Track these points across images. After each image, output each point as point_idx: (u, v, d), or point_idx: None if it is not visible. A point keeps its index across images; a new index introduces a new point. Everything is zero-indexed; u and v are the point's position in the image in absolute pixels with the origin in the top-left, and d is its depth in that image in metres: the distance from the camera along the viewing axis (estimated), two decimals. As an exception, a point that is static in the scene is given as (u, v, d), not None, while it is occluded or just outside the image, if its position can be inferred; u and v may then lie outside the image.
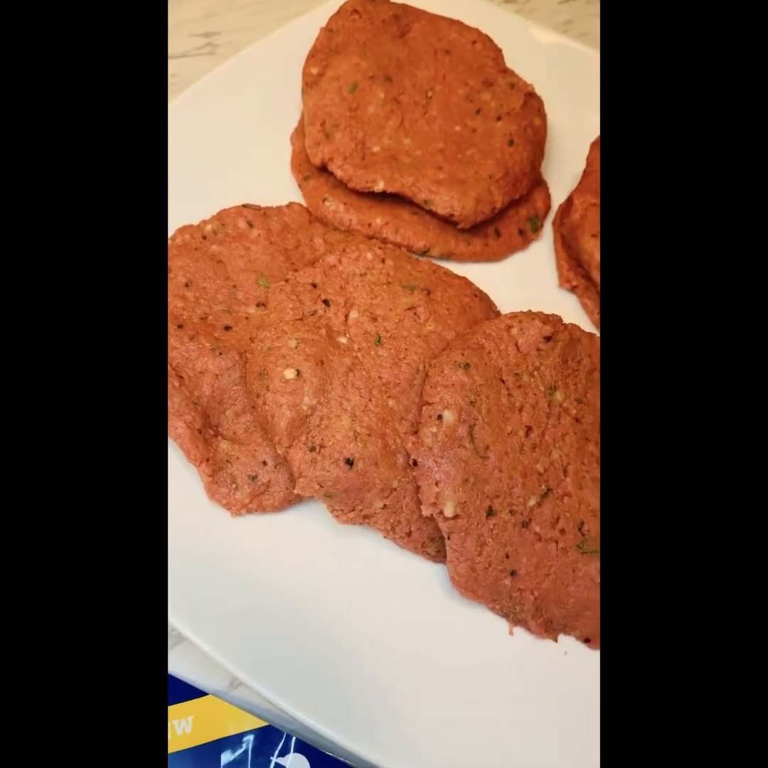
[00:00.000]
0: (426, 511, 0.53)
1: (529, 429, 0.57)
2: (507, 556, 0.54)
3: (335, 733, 0.50)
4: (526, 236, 0.75)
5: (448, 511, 0.53)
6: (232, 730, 0.53)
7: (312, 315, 0.59)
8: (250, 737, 0.53)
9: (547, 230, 0.77)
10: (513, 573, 0.55)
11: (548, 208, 0.78)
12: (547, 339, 0.59)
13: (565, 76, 0.85)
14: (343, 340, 0.59)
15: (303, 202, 0.73)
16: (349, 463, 0.54)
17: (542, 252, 0.75)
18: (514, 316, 0.60)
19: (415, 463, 0.54)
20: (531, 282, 0.73)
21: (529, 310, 0.60)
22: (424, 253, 0.71)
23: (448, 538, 0.54)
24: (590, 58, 0.86)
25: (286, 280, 0.60)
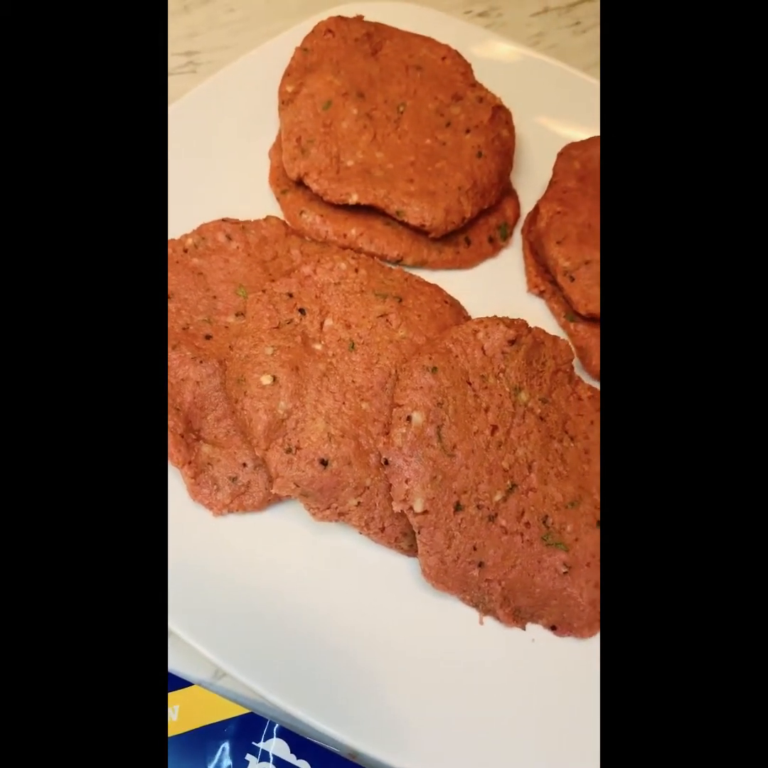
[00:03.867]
0: (397, 508, 0.56)
1: (494, 428, 0.60)
2: (474, 549, 0.57)
3: (313, 718, 0.53)
4: (495, 244, 0.78)
5: (418, 507, 0.56)
6: (216, 718, 0.56)
7: (288, 323, 0.62)
8: (234, 724, 0.56)
9: (517, 238, 0.80)
10: (481, 564, 0.58)
11: (518, 216, 0.81)
12: (512, 342, 0.62)
13: (533, 89, 0.88)
14: (318, 346, 0.62)
15: (281, 215, 0.76)
16: (324, 463, 0.57)
17: (512, 259, 0.79)
18: (480, 321, 0.63)
19: (386, 462, 0.57)
20: (501, 288, 0.76)
21: (495, 316, 0.64)
22: (398, 261, 0.75)
23: (419, 532, 0.57)
24: (557, 70, 0.89)
25: (263, 291, 0.63)
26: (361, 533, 0.59)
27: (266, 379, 0.58)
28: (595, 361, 0.70)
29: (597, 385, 0.70)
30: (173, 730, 0.55)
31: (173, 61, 0.94)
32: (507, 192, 0.81)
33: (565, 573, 0.59)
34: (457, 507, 0.57)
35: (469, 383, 0.60)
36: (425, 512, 0.56)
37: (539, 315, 0.74)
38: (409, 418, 0.57)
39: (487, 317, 0.63)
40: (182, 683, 0.57)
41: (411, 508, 0.56)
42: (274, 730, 0.56)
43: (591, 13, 1.09)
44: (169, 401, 0.60)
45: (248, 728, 0.56)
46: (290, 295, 0.64)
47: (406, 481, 0.56)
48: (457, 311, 0.69)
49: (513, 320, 0.64)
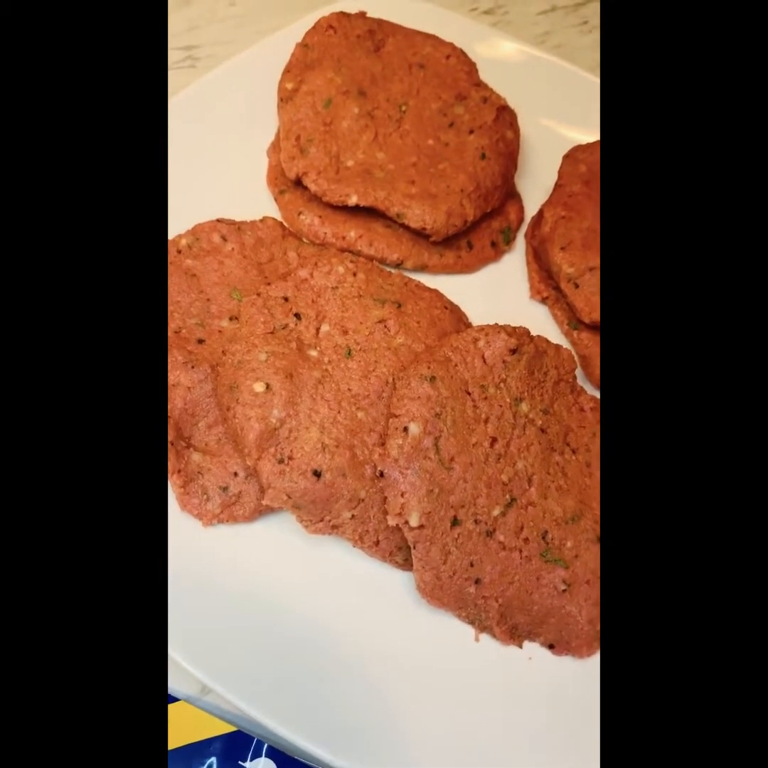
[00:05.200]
0: (392, 521, 0.54)
1: (494, 440, 0.58)
2: (471, 565, 0.56)
3: (301, 738, 0.52)
4: (498, 248, 0.76)
5: (413, 521, 0.54)
6: (203, 735, 0.54)
7: (283, 328, 0.61)
8: (220, 742, 0.54)
9: (520, 242, 0.78)
10: (477, 581, 0.56)
11: (521, 220, 0.79)
12: (513, 351, 0.60)
13: (539, 89, 0.86)
14: (313, 353, 0.60)
15: (279, 216, 0.74)
16: (317, 474, 0.55)
17: (515, 264, 0.77)
18: (480, 329, 0.61)
19: (381, 474, 0.55)
20: (503, 294, 0.74)
21: (496, 323, 0.62)
22: (398, 265, 0.73)
23: (414, 547, 0.55)
24: (564, 70, 0.87)
25: (258, 294, 0.61)
26: (354, 547, 0.58)
27: (259, 387, 0.56)
28: (599, 370, 0.69)
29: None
30: (157, 748, 0.53)
31: (172, 55, 0.92)
32: (510, 195, 0.79)
33: (564, 590, 0.57)
34: (454, 521, 0.55)
35: (469, 393, 0.59)
36: (421, 527, 0.54)
37: (542, 322, 0.73)
38: (405, 429, 0.55)
39: (488, 325, 0.61)
40: (168, 699, 0.55)
41: (406, 522, 0.54)
42: (263, 749, 0.54)
43: (599, 13, 1.07)
44: (159, 407, 0.58)
45: (235, 746, 0.54)
46: (286, 299, 0.62)
47: (402, 494, 0.54)
48: (457, 318, 0.67)
49: (515, 328, 0.62)
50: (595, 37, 1.05)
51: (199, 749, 0.54)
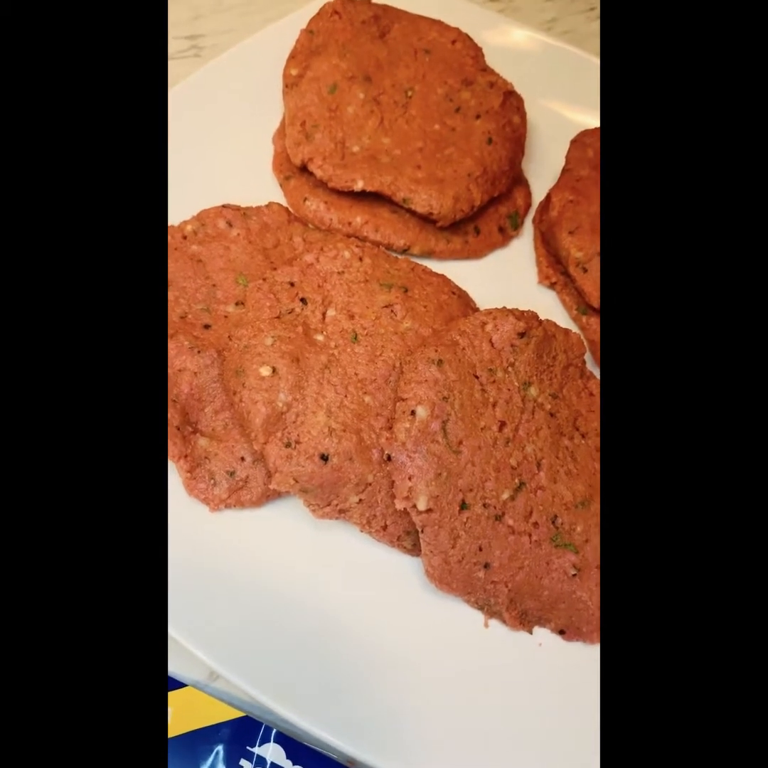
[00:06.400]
0: (399, 505, 0.54)
1: (502, 424, 0.58)
2: (480, 549, 0.55)
3: (309, 723, 0.51)
4: (506, 233, 0.76)
5: (421, 505, 0.54)
6: (211, 721, 0.54)
7: (289, 313, 0.60)
8: (228, 728, 0.54)
9: (528, 227, 0.78)
10: (486, 566, 0.55)
11: (529, 205, 0.78)
12: (521, 335, 0.60)
13: (547, 75, 0.85)
14: (320, 337, 0.60)
15: (284, 202, 0.74)
16: (324, 458, 0.55)
17: (523, 249, 0.76)
18: (488, 312, 0.60)
19: (389, 458, 0.55)
20: (511, 279, 0.74)
21: (504, 307, 0.61)
22: (405, 251, 0.72)
23: (422, 531, 0.54)
24: (572, 55, 0.87)
25: (264, 279, 0.61)
26: (362, 531, 0.57)
27: (265, 371, 0.56)
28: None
29: (609, 380, 0.67)
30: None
31: (177, 45, 0.92)
32: (518, 180, 0.78)
33: (574, 575, 0.56)
34: (463, 505, 0.55)
35: (477, 377, 0.58)
36: (429, 510, 0.54)
37: (550, 307, 0.72)
38: (413, 413, 0.55)
39: (496, 308, 0.61)
40: (176, 684, 0.55)
41: (414, 506, 0.54)
42: (271, 735, 0.54)
43: (606, -1, 1.06)
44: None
45: (243, 732, 0.54)
46: (292, 284, 0.62)
47: (410, 478, 0.54)
48: (464, 303, 0.67)
49: (523, 312, 0.61)
50: (603, 23, 1.04)
51: (207, 735, 0.53)
